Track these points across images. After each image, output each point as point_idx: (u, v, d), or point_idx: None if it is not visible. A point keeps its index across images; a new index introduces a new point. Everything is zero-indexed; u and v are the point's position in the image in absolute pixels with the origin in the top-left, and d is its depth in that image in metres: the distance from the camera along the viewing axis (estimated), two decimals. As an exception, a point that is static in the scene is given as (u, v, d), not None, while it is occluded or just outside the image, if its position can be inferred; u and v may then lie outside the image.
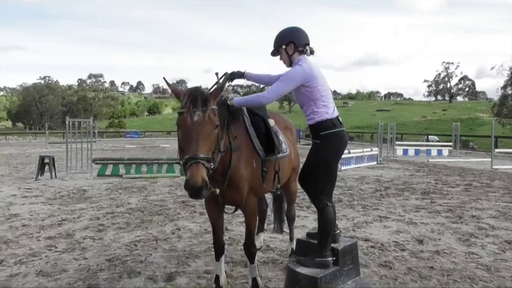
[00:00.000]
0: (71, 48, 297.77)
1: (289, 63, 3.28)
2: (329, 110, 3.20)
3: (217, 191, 2.97)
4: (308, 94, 3.16)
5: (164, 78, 2.98)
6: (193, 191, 2.54)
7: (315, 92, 3.16)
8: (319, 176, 3.18)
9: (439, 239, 5.32)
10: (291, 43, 3.23)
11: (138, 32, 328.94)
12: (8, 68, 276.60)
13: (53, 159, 11.38)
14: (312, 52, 3.31)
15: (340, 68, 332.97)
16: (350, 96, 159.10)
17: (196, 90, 2.77)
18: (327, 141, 3.16)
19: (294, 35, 3.25)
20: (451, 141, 22.74)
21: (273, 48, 3.35)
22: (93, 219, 6.32)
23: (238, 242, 5.01)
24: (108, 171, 11.51)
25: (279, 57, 3.34)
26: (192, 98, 2.70)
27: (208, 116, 2.67)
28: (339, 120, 3.25)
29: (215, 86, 3.09)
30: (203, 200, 3.11)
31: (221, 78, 3.31)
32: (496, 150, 16.96)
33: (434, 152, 21.45)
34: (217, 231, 3.50)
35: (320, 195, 3.20)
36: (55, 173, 11.17)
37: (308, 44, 3.28)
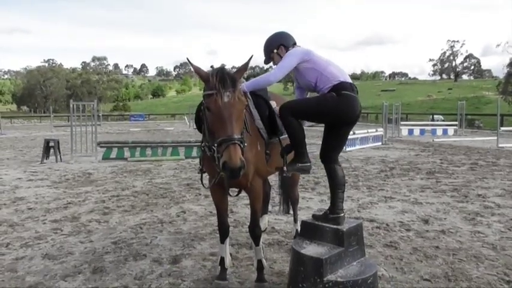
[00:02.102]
0: (74, 31, 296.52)
1: None
2: (343, 74, 3.20)
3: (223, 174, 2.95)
4: (314, 66, 3.18)
5: (188, 58, 2.95)
6: (233, 172, 2.52)
7: (320, 63, 3.19)
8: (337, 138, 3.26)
9: (445, 219, 5.30)
10: (281, 46, 3.37)
11: (141, 14, 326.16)
12: (11, 51, 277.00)
13: (58, 142, 11.40)
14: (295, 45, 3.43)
15: (344, 48, 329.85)
16: (354, 77, 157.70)
17: (223, 70, 2.74)
18: (347, 100, 3.08)
19: (281, 38, 3.40)
20: (456, 121, 22.58)
21: (264, 57, 3.47)
22: (99, 202, 6.35)
23: (243, 224, 5.02)
24: (113, 155, 11.54)
25: (272, 63, 3.47)
26: (221, 79, 2.66)
27: (237, 96, 2.66)
28: (355, 87, 3.21)
29: (239, 66, 3.04)
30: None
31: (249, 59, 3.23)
32: (502, 128, 16.85)
33: (439, 131, 21.31)
34: (222, 213, 3.49)
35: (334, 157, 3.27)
36: (60, 156, 11.20)
37: (295, 44, 3.41)
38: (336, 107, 3.08)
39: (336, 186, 3.24)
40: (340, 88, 3.10)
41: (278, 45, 3.37)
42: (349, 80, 3.22)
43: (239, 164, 2.51)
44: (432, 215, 5.50)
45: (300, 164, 3.25)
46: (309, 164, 3.29)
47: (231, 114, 2.61)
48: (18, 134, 23.25)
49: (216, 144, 2.63)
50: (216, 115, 2.64)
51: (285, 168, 3.34)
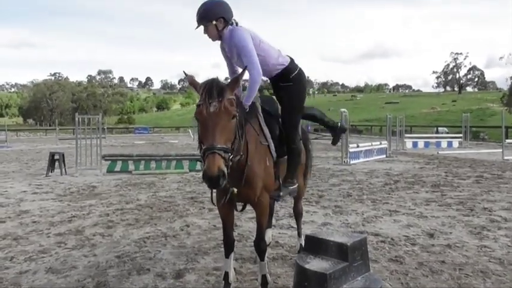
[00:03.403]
0: (80, 45, 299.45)
1: (218, 37, 3.28)
2: (285, 55, 3.53)
3: (235, 190, 2.99)
4: (259, 52, 3.27)
5: (184, 71, 2.97)
6: (210, 181, 2.51)
7: (264, 46, 3.37)
8: (294, 117, 3.51)
9: (451, 233, 5.25)
10: (220, 18, 3.19)
11: (147, 28, 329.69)
12: (19, 64, 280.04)
13: (63, 155, 11.46)
14: (236, 24, 3.31)
15: (348, 61, 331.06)
16: (358, 89, 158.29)
17: (212, 81, 2.76)
18: (300, 82, 3.54)
19: (222, 10, 3.20)
20: (461, 133, 22.51)
21: (197, 23, 3.22)
22: (103, 215, 6.35)
23: (247, 239, 4.99)
24: (118, 168, 11.57)
25: (203, 30, 3.24)
26: (208, 90, 2.69)
27: (224, 106, 2.65)
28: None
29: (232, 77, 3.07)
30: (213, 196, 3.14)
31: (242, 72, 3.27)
32: (507, 140, 16.75)
33: (444, 144, 21.24)
34: (228, 227, 3.48)
35: (295, 135, 3.50)
36: (65, 169, 11.24)
37: (234, 20, 3.30)
38: (305, 87, 3.70)
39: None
40: (293, 69, 3.53)
41: (218, 17, 3.17)
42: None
43: (216, 173, 2.49)
44: (438, 228, 5.45)
45: (292, 187, 3.54)
46: (297, 185, 3.61)
47: (216, 124, 2.62)
48: (23, 147, 23.39)
49: (201, 154, 2.66)
50: (202, 125, 2.69)
51: (281, 193, 3.48)
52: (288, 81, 3.51)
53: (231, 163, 2.68)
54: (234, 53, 3.32)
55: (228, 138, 2.66)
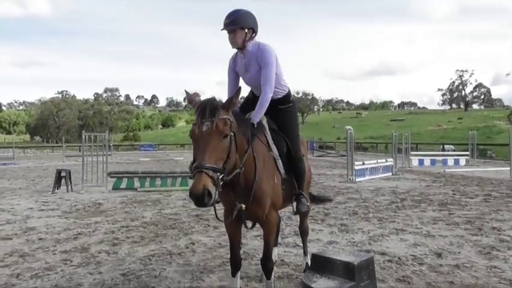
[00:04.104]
0: (87, 63, 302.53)
1: (241, 45, 3.34)
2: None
3: (243, 206, 3.01)
4: (277, 72, 3.44)
5: (185, 90, 3.00)
6: (196, 199, 2.53)
7: (279, 68, 3.51)
8: (296, 136, 3.67)
9: (459, 252, 5.19)
10: (251, 29, 3.32)
11: (153, 46, 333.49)
12: (27, 83, 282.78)
13: (69, 172, 11.53)
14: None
15: (353, 78, 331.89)
16: (363, 107, 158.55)
17: (207, 101, 2.79)
18: (294, 107, 3.81)
19: (254, 22, 3.35)
20: (467, 150, 22.38)
21: (225, 26, 3.26)
22: (108, 232, 6.35)
23: (253, 257, 4.96)
24: (123, 185, 11.60)
25: (227, 32, 3.29)
26: (201, 110, 2.73)
27: (216, 126, 2.67)
28: None
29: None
30: (217, 213, 3.14)
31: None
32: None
33: (450, 161, 21.13)
34: (235, 245, 3.47)
35: (299, 152, 3.62)
36: (71, 186, 11.29)
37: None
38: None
39: None
40: (290, 96, 3.76)
41: (250, 27, 3.31)
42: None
43: (200, 191, 2.50)
44: (445, 248, 5.38)
45: (308, 204, 3.65)
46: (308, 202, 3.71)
47: (206, 143, 2.64)
48: (30, 164, 23.54)
49: (191, 172, 2.69)
50: (195, 144, 2.72)
51: (295, 209, 3.60)
52: (287, 104, 3.71)
53: (221, 182, 2.69)
54: (251, 66, 3.39)
55: (219, 158, 2.66)
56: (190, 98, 2.91)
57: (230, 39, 3.32)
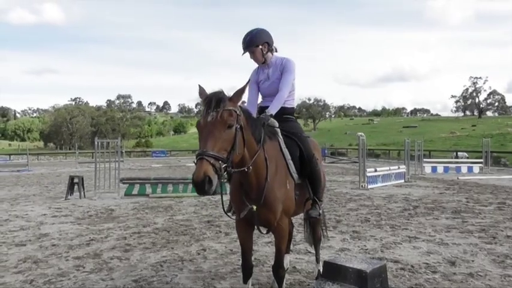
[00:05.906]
0: (101, 71, 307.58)
1: (262, 61, 3.72)
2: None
3: (254, 207, 3.03)
4: (293, 83, 3.74)
5: (199, 85, 2.99)
6: (196, 185, 2.54)
7: (294, 81, 3.79)
8: (304, 137, 3.76)
9: (473, 261, 5.11)
10: (265, 43, 3.65)
11: (165, 53, 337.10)
12: (41, 90, 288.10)
13: (82, 179, 11.66)
14: (276, 51, 3.81)
15: (365, 85, 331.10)
16: (376, 113, 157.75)
17: (214, 93, 2.82)
18: (296, 121, 3.96)
19: (268, 36, 3.68)
20: (481, 158, 22.08)
21: (243, 49, 3.64)
22: (120, 239, 6.39)
23: (264, 263, 4.95)
24: (135, 191, 11.69)
25: (249, 56, 3.69)
26: (208, 101, 2.77)
27: (220, 116, 2.69)
28: None
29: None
30: (229, 218, 3.17)
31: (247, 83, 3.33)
32: (530, 166, 16.35)
33: (464, 169, 20.86)
34: (247, 252, 3.47)
35: (310, 151, 3.65)
36: (84, 192, 11.41)
37: (274, 45, 3.77)
38: None
39: None
40: (293, 110, 3.96)
41: (263, 42, 3.62)
42: None
43: (201, 177, 2.50)
44: (459, 256, 5.31)
45: (320, 211, 3.72)
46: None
47: (210, 132, 2.66)
48: (44, 171, 23.84)
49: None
50: (200, 133, 2.74)
51: (305, 213, 3.71)
52: (291, 115, 3.90)
53: (225, 172, 2.71)
54: (274, 74, 3.74)
55: (222, 147, 2.66)
56: (201, 91, 2.93)
57: (252, 59, 3.71)
